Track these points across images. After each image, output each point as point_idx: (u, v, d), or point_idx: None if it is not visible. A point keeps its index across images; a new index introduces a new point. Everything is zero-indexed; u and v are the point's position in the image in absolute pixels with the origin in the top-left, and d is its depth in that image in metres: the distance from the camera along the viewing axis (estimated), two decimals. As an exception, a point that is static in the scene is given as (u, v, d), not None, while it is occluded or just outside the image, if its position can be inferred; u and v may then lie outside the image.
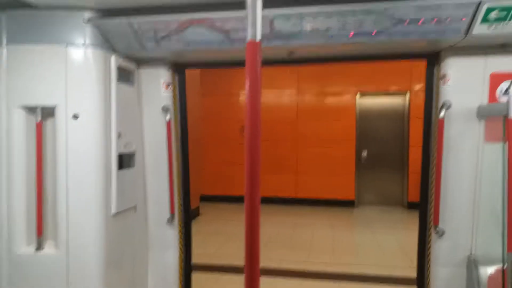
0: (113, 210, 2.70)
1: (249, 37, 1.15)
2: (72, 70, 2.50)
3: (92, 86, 2.55)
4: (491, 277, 2.55)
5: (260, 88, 1.15)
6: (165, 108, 3.01)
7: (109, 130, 2.66)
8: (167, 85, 3.03)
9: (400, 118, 9.00)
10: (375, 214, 8.62)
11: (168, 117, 2.98)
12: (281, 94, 9.29)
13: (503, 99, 2.54)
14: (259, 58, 1.15)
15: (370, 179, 9.24)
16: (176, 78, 3.14)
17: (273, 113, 9.28)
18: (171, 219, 3.10)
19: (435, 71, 2.79)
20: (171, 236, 3.19)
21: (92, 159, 2.58)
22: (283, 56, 2.85)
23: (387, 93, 8.97)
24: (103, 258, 2.65)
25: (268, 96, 9.37)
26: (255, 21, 1.14)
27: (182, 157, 3.26)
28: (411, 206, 8.54)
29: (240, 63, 3.02)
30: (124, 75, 2.85)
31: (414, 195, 8.43)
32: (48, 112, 2.58)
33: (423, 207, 2.94)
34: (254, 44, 1.14)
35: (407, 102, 8.84)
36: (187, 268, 3.35)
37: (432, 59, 2.79)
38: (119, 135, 2.71)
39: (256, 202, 1.14)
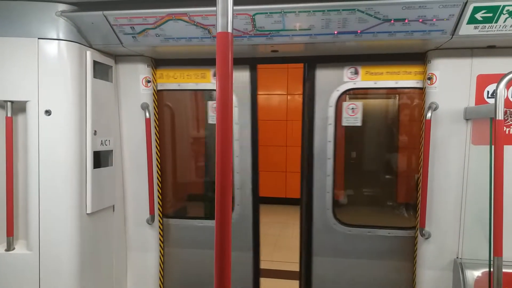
0: (88, 209, 2.60)
1: (219, 28, 1.03)
2: (45, 64, 2.40)
3: (66, 81, 2.45)
4: (477, 281, 2.51)
5: (231, 84, 1.06)
6: (144, 105, 2.91)
7: (84, 127, 2.56)
8: (147, 82, 2.94)
9: (389, 120, 8.93)
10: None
11: (147, 114, 2.88)
12: (271, 95, 9.21)
13: (491, 101, 2.49)
14: (230, 51, 1.05)
15: (358, 180, 9.17)
16: (156, 73, 3.06)
17: (262, 114, 9.18)
18: (150, 220, 3.01)
19: (422, 72, 2.73)
20: (151, 237, 3.10)
21: (65, 156, 2.48)
22: (265, 54, 2.77)
23: (375, 96, 8.90)
24: (77, 259, 2.55)
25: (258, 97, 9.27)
26: (226, 11, 1.02)
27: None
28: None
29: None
30: (101, 71, 2.75)
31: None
32: (19, 107, 2.47)
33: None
34: (225, 36, 1.04)
35: (396, 105, 8.79)
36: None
37: (419, 59, 2.72)
38: (94, 132, 2.61)
39: (227, 197, 1.05)
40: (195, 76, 3.03)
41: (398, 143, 3.87)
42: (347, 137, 3.48)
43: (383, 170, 4.32)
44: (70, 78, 2.46)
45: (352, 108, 2.94)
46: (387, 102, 4.55)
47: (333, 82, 2.91)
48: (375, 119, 4.51)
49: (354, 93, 3.16)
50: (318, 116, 2.95)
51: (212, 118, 3.12)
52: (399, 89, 3.02)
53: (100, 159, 2.78)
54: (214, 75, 2.97)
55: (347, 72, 2.87)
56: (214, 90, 3.07)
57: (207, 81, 3.03)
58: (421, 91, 2.78)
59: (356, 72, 2.85)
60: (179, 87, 3.09)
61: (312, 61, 2.92)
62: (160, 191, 3.14)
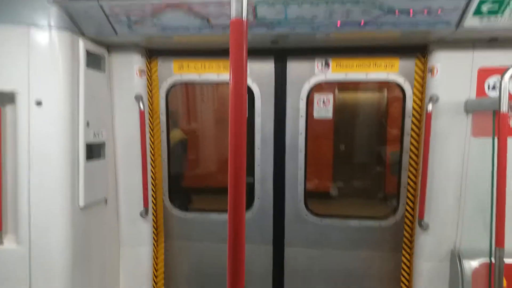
0: (81, 203, 2.51)
1: (233, 15, 0.96)
2: (36, 53, 2.28)
3: (58, 70, 2.33)
4: (475, 271, 2.52)
5: (245, 74, 0.99)
6: (138, 97, 2.82)
7: (76, 118, 2.46)
8: (141, 72, 2.84)
9: (378, 113, 8.95)
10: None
11: (141, 106, 2.80)
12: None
13: (492, 94, 2.49)
14: (245, 39, 0.97)
15: (348, 172, 9.20)
16: (151, 64, 2.96)
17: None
18: (144, 213, 2.94)
19: (422, 64, 2.72)
20: (145, 230, 3.04)
21: (57, 148, 2.38)
22: (265, 45, 2.71)
23: (364, 89, 8.88)
24: (69, 254, 2.47)
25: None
26: None
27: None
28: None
29: (221, 52, 2.85)
30: (94, 61, 2.64)
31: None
32: (8, 98, 2.35)
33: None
34: (239, 24, 0.97)
35: (385, 98, 8.81)
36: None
37: (420, 51, 2.71)
38: (87, 124, 2.52)
39: (241, 193, 1.00)
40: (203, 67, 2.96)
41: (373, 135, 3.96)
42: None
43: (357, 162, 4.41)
44: (62, 67, 2.35)
45: (324, 101, 2.92)
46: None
47: (304, 75, 2.88)
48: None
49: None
50: (290, 108, 2.93)
51: None
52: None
53: (93, 151, 2.69)
54: (225, 67, 2.89)
55: (317, 64, 2.85)
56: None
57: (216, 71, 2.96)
58: (391, 84, 2.82)
59: (327, 65, 2.83)
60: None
61: (282, 53, 2.88)
62: (154, 183, 3.07)
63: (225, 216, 3.07)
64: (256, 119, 2.95)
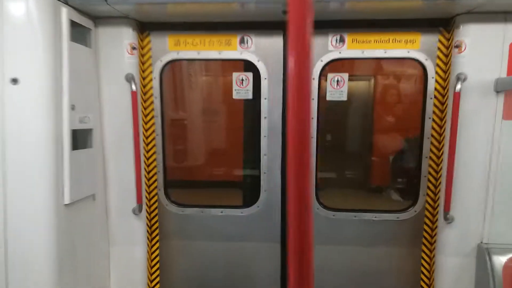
0: (66, 200, 2.23)
1: None
2: (11, 22, 2.00)
3: (37, 43, 2.04)
4: (506, 267, 2.33)
5: (310, 61, 0.68)
6: (129, 76, 2.50)
7: (60, 100, 2.15)
8: (132, 49, 2.52)
9: (364, 103, 8.87)
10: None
11: (133, 87, 2.48)
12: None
13: None
14: (309, 12, 0.65)
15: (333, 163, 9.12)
16: (143, 40, 2.63)
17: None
18: (137, 210, 2.63)
19: (447, 40, 2.48)
20: (138, 229, 2.74)
21: (37, 136, 2.09)
22: (273, 17, 2.42)
23: (351, 78, 8.79)
24: (53, 257, 2.19)
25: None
26: None
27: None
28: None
29: (224, 26, 2.56)
30: (79, 34, 2.35)
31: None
32: None
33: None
34: None
35: (372, 87, 8.73)
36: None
37: (444, 26, 2.47)
38: (72, 107, 2.21)
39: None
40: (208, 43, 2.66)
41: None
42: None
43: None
44: (42, 39, 2.05)
45: (337, 81, 2.67)
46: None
47: (317, 52, 2.61)
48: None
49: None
50: None
51: (238, 92, 2.75)
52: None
53: (78, 140, 2.40)
54: (227, 43, 2.60)
55: (332, 40, 2.59)
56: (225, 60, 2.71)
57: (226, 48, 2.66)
58: (412, 61, 2.58)
59: (342, 40, 2.58)
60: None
61: None
62: (147, 176, 2.76)
63: (227, 212, 2.80)
64: (262, 102, 2.66)
